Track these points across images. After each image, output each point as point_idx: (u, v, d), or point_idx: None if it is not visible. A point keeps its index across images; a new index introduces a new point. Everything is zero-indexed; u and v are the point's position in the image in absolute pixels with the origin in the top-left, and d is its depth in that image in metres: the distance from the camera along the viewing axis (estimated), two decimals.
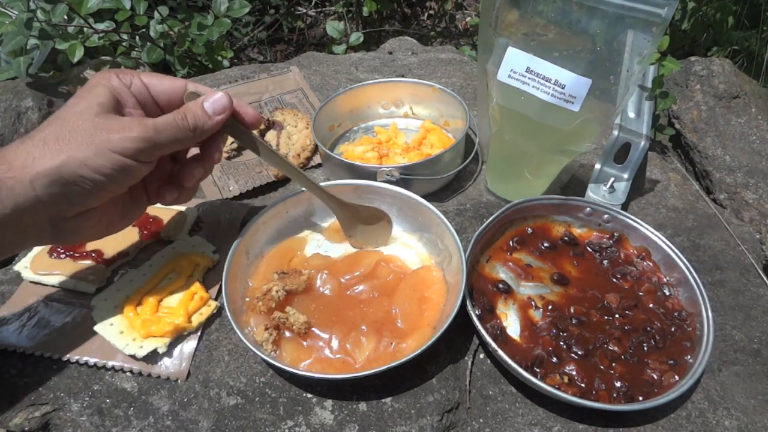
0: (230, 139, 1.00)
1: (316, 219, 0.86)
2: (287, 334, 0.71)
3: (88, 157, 0.58)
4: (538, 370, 0.68)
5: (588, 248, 0.84)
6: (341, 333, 0.71)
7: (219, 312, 0.76)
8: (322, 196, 0.79)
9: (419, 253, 0.82)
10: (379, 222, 0.82)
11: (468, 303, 0.71)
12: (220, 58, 1.35)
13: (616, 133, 0.96)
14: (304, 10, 2.21)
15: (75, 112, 0.60)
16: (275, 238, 0.82)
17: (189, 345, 0.72)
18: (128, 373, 0.70)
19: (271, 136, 1.03)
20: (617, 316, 0.74)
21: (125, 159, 0.60)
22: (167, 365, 0.70)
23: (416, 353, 0.64)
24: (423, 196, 0.81)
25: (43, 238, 0.62)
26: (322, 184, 0.85)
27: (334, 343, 0.70)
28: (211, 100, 0.66)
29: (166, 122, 0.62)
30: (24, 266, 0.78)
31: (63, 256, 0.79)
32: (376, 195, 0.84)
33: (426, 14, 2.30)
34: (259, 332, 0.69)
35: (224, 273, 0.72)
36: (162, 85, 0.67)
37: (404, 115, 1.11)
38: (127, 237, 0.82)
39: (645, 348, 0.71)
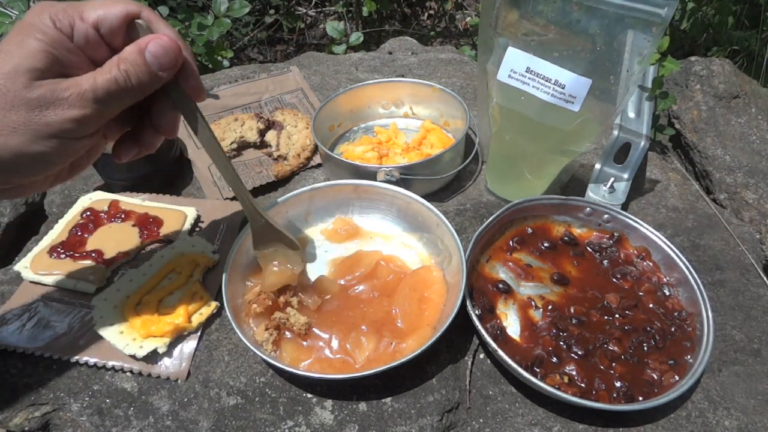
0: (229, 140, 1.00)
1: (316, 219, 0.86)
2: (287, 334, 0.71)
3: (24, 143, 0.49)
4: (538, 370, 0.68)
5: (588, 248, 0.84)
6: (341, 333, 0.71)
7: (219, 312, 0.76)
8: (247, 206, 0.69)
9: (419, 253, 0.82)
10: (291, 250, 0.74)
11: (468, 303, 0.71)
12: (220, 58, 1.35)
13: (616, 133, 0.96)
14: (304, 10, 2.21)
15: (1, 87, 0.48)
16: None
17: (189, 345, 0.72)
18: (128, 373, 0.70)
19: (271, 136, 1.03)
20: (617, 316, 0.74)
21: (66, 140, 0.51)
22: (167, 365, 0.70)
23: (416, 353, 0.64)
24: (423, 196, 0.81)
25: None
26: (321, 184, 0.85)
27: (334, 343, 0.70)
28: (153, 51, 0.52)
29: (106, 88, 0.50)
30: (24, 266, 0.78)
31: (63, 256, 0.79)
32: (376, 195, 0.84)
33: (426, 14, 2.30)
34: (259, 332, 0.69)
35: (224, 273, 0.72)
36: (108, 21, 0.52)
37: (404, 115, 1.11)
38: (127, 237, 0.82)
39: (645, 348, 0.71)
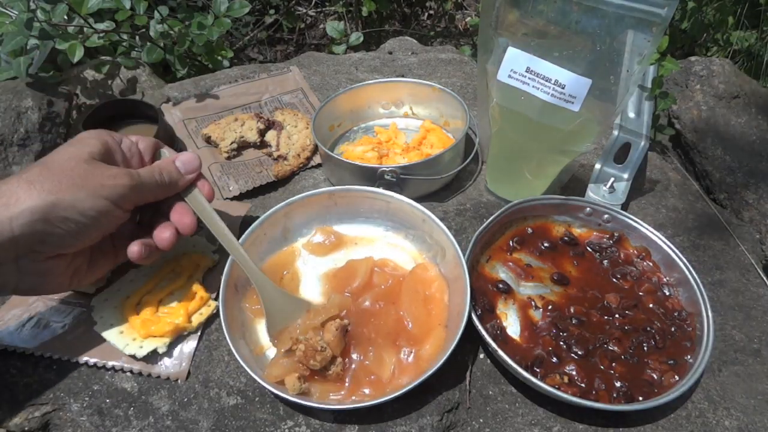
0: (229, 140, 1.00)
1: (296, 234, 0.82)
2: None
3: (78, 199, 0.59)
4: (538, 370, 0.68)
5: (588, 248, 0.84)
6: (363, 354, 0.68)
7: (219, 312, 0.76)
8: (259, 282, 0.71)
9: (408, 251, 0.81)
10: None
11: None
12: (220, 57, 1.35)
13: (616, 133, 0.96)
14: (304, 10, 2.21)
15: (64, 158, 0.61)
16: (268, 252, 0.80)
17: (189, 345, 0.72)
18: (128, 373, 0.70)
19: (271, 136, 1.03)
20: (617, 316, 0.74)
21: (112, 205, 0.62)
22: (167, 365, 0.70)
23: (441, 363, 0.63)
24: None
25: (6, 284, 0.60)
26: (295, 198, 0.80)
27: (357, 366, 0.67)
28: (183, 159, 0.71)
29: (148, 174, 0.67)
30: None
31: None
32: (353, 199, 0.82)
33: (426, 14, 2.30)
34: (291, 385, 0.64)
35: (223, 276, 0.71)
36: (144, 142, 0.72)
37: (404, 115, 1.11)
38: None
39: (645, 348, 0.71)
